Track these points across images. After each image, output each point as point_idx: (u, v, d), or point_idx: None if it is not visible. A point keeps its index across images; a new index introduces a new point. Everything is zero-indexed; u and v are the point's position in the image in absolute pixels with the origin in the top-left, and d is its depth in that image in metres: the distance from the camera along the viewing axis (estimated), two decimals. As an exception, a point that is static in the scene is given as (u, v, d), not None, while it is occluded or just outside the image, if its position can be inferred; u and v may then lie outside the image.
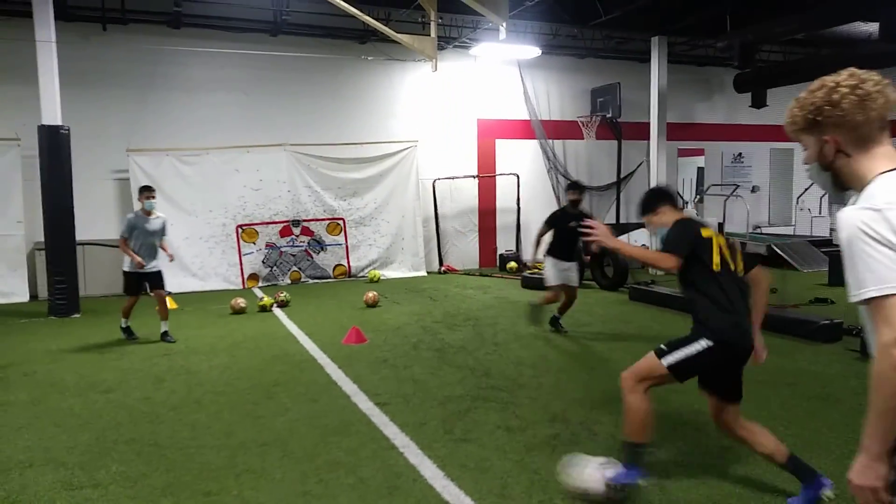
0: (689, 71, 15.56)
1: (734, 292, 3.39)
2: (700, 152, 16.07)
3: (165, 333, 7.56)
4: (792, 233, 16.72)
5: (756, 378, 5.00)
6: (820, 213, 17.61)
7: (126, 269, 7.43)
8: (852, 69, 1.79)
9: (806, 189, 17.93)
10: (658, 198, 3.80)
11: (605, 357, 6.63)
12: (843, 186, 1.83)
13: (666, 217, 3.68)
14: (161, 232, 7.55)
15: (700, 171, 15.97)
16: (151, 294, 7.61)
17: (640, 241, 14.15)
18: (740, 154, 16.84)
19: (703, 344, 3.32)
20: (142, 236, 7.40)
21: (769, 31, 11.95)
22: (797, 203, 18.12)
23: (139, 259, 7.29)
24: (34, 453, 4.28)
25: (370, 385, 5.67)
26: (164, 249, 7.58)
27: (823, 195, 17.45)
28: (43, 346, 7.40)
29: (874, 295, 1.61)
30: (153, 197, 7.54)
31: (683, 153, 15.73)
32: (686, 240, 3.45)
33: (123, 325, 7.65)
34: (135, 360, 6.77)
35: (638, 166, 15.06)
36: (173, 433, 4.62)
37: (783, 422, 4.63)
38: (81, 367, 6.51)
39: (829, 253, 12.31)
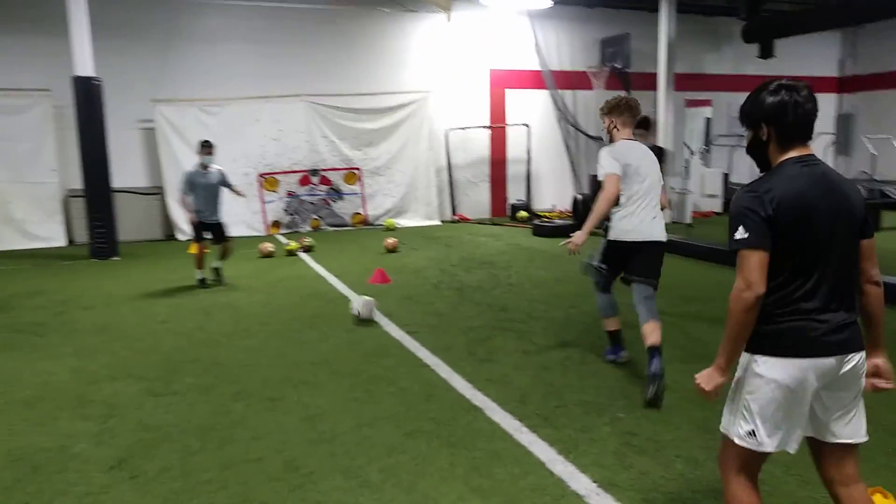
0: (697, 21, 15.64)
1: None
2: (707, 103, 16.25)
3: (217, 270, 8.01)
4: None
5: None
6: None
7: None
8: (627, 96, 4.57)
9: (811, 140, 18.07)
10: None
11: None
12: None
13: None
14: (222, 183, 7.88)
15: (707, 121, 16.20)
16: (218, 245, 7.96)
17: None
18: (747, 105, 17.04)
19: None
20: (202, 190, 7.72)
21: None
22: (801, 153, 18.33)
23: (192, 215, 7.74)
24: (115, 370, 4.93)
25: (399, 317, 6.28)
26: (237, 193, 8.10)
27: (827, 147, 17.75)
28: (93, 285, 8.04)
29: (605, 173, 4.31)
30: (211, 153, 7.74)
31: (691, 104, 15.95)
32: None
33: (199, 277, 7.84)
34: (182, 295, 7.42)
35: (645, 117, 15.36)
36: (231, 355, 5.26)
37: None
38: (134, 302, 7.16)
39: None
